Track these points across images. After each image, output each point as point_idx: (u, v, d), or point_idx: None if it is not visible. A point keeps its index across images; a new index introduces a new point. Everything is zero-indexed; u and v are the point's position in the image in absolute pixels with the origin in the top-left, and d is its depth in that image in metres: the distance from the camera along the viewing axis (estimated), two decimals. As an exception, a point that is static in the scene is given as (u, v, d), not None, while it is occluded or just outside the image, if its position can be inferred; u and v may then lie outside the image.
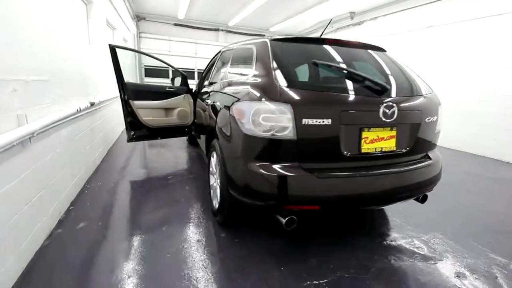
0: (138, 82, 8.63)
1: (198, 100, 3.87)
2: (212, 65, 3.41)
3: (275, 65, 1.52)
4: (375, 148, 1.54)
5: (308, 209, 1.47)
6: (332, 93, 1.48)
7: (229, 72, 2.19)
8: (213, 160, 2.10)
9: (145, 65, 8.87)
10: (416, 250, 1.78)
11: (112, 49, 2.98)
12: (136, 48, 8.48)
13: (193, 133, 3.89)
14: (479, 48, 4.67)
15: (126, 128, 3.29)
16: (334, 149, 1.45)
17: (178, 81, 3.88)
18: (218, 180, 1.87)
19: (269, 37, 1.77)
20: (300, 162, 1.42)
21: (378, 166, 1.55)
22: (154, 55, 3.42)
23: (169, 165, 3.44)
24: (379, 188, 1.51)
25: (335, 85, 1.53)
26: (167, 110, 3.57)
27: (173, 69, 3.58)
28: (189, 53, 9.29)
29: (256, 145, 1.42)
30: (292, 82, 1.46)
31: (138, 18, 8.46)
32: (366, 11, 6.86)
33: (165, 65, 3.62)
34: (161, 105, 3.45)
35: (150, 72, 9.02)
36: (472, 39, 4.78)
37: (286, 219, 1.44)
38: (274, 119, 1.38)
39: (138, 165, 3.38)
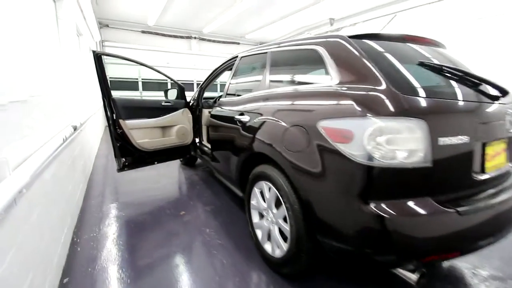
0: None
1: (206, 115, 3.34)
2: (217, 74, 2.94)
3: (380, 68, 1.14)
4: (495, 167, 1.24)
5: (446, 258, 1.11)
6: (465, 102, 1.15)
7: (271, 81, 1.76)
8: (263, 193, 1.63)
9: (110, 77, 7.91)
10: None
11: (97, 57, 2.36)
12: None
13: (192, 153, 3.34)
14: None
15: (115, 155, 2.64)
16: (466, 174, 1.12)
17: (172, 94, 3.32)
18: (286, 223, 1.41)
19: (337, 35, 1.39)
20: (432, 196, 1.05)
21: (500, 188, 1.26)
22: (148, 65, 2.84)
23: (171, 194, 2.84)
24: None
25: (457, 91, 1.20)
26: (165, 128, 2.99)
27: (170, 80, 3.02)
28: (160, 63, 8.54)
29: (374, 178, 1.02)
30: (414, 89, 1.09)
31: (101, 25, 7.55)
32: (345, 17, 6.94)
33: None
34: (158, 124, 2.87)
35: (118, 85, 8.06)
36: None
37: (419, 274, 1.06)
38: (400, 141, 1.00)
39: (130, 198, 2.72)
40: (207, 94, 3.43)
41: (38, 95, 1.51)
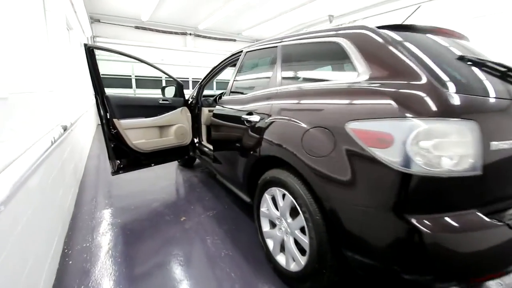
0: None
1: (206, 114, 3.17)
2: (218, 71, 2.78)
3: (419, 61, 1.01)
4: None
5: (492, 278, 0.98)
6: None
7: (283, 78, 1.61)
8: (275, 199, 1.49)
9: (102, 74, 7.63)
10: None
11: (89, 51, 2.18)
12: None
13: (191, 154, 3.17)
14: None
15: (109, 157, 2.47)
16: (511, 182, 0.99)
17: (169, 91, 3.14)
18: (305, 235, 1.27)
19: (362, 26, 1.25)
20: (479, 208, 0.92)
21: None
22: (144, 60, 2.66)
23: (170, 197, 2.67)
24: None
25: (507, 89, 1.07)
26: (162, 128, 2.81)
27: (168, 76, 2.84)
28: (154, 59, 8.28)
29: (415, 188, 0.88)
30: (461, 86, 0.96)
31: (92, 19, 7.26)
32: (345, 14, 6.82)
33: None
34: (155, 123, 2.69)
35: (110, 82, 7.78)
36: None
37: None
38: (448, 146, 0.87)
39: (126, 202, 2.54)
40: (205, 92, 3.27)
41: (22, 92, 1.33)
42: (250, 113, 1.71)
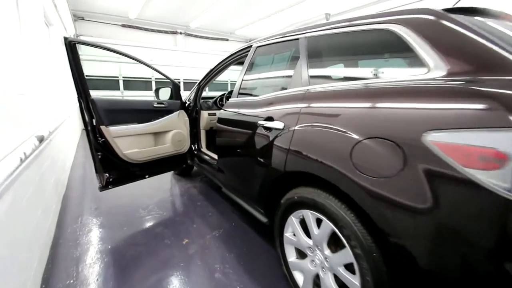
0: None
1: (205, 118, 2.87)
2: (220, 70, 2.48)
3: None
4: None
5: None
6: None
7: (311, 76, 1.33)
8: (306, 223, 1.21)
9: (86, 75, 7.16)
10: None
11: (71, 46, 1.85)
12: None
13: (189, 162, 2.86)
14: None
15: (96, 170, 2.14)
16: None
17: (164, 93, 2.81)
18: (354, 275, 1.00)
19: (424, 9, 0.99)
20: None
21: None
22: (135, 57, 2.34)
23: (168, 214, 2.34)
24: None
25: None
26: (157, 135, 2.49)
27: (162, 75, 2.52)
28: (143, 59, 7.86)
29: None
30: None
31: (76, 17, 6.80)
32: (342, 12, 6.65)
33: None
34: (149, 130, 2.36)
35: (95, 84, 7.31)
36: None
37: None
38: None
39: (117, 221, 2.20)
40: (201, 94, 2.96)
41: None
42: (269, 119, 1.43)
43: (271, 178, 1.42)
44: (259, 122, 1.48)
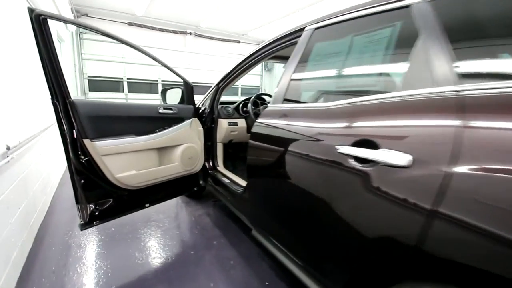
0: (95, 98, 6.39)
1: (224, 128, 2.26)
2: (248, 67, 1.87)
3: None
4: None
5: None
6: None
7: (458, 67, 0.70)
8: None
9: (89, 75, 6.65)
10: None
11: (38, 22, 1.26)
12: (77, 54, 6.28)
13: (202, 183, 2.24)
14: None
15: (78, 199, 1.54)
16: None
17: (173, 96, 2.21)
18: None
19: None
20: None
21: None
22: (141, 48, 1.77)
23: (176, 262, 1.71)
24: None
25: None
26: (163, 150, 1.87)
27: (172, 72, 1.92)
28: (150, 61, 7.33)
29: None
30: None
31: (79, 13, 6.32)
32: (368, 12, 6.06)
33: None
34: (152, 144, 1.75)
35: (98, 85, 6.80)
36: None
37: None
38: None
39: (111, 276, 1.58)
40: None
41: None
42: (363, 143, 0.79)
43: (367, 252, 0.78)
44: (340, 147, 0.85)
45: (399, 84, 0.82)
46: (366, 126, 0.80)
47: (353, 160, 0.81)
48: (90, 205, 1.56)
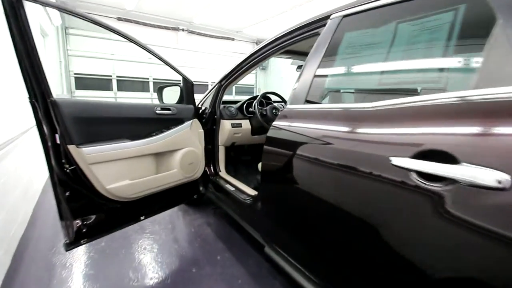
0: (79, 97, 6.05)
1: (227, 130, 2.07)
2: (257, 62, 1.69)
3: None
4: None
5: None
6: None
7: None
8: None
9: (76, 73, 6.30)
10: None
11: (12, 4, 1.04)
12: (63, 50, 5.92)
13: (202, 190, 2.06)
14: None
15: (62, 215, 1.33)
16: None
17: (171, 94, 2.00)
18: None
19: None
20: None
21: None
22: (135, 39, 1.55)
23: (170, 282, 1.52)
24: None
25: None
26: (161, 156, 1.67)
27: (170, 67, 1.72)
28: (140, 58, 7.04)
29: None
30: None
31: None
32: (366, 10, 5.95)
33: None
34: (149, 149, 1.55)
35: (85, 83, 6.46)
36: None
37: None
38: None
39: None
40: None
41: None
42: (432, 155, 0.62)
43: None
44: (395, 159, 0.68)
45: (471, 80, 0.66)
46: (436, 133, 0.63)
47: (415, 175, 0.64)
48: (77, 221, 1.35)
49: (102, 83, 6.70)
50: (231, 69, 1.85)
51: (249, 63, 1.71)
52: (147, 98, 7.25)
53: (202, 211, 2.37)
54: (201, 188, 2.07)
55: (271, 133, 1.17)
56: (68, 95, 6.15)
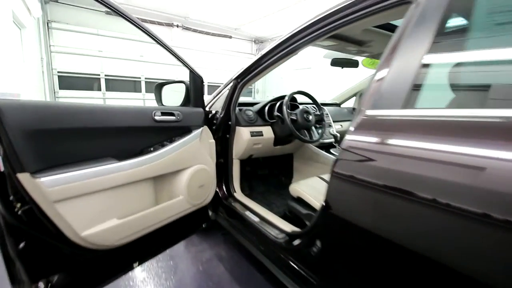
0: (47, 99, 5.50)
1: (245, 140, 1.60)
2: (297, 48, 1.27)
3: None
4: None
5: None
6: None
7: None
8: None
9: (60, 71, 5.73)
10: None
11: None
12: (45, 46, 5.36)
13: (212, 215, 1.63)
14: None
15: (13, 278, 0.85)
16: None
17: (173, 94, 1.55)
18: None
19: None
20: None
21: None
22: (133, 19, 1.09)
23: None
24: None
25: None
26: (161, 180, 1.22)
27: (178, 58, 1.28)
28: (131, 55, 6.51)
29: None
30: None
31: (46, -2, 5.41)
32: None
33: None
34: (144, 173, 1.09)
35: (70, 82, 5.89)
36: None
37: None
38: None
39: None
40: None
41: None
42: None
43: None
44: None
45: None
46: None
47: None
48: (39, 284, 0.90)
49: (89, 83, 6.14)
50: (252, 62, 1.42)
51: (278, 53, 1.29)
52: (139, 99, 6.73)
53: (210, 239, 1.92)
54: (210, 213, 1.63)
55: (346, 155, 0.73)
56: (51, 96, 5.59)
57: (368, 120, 0.74)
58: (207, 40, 7.82)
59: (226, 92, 1.57)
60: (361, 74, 2.42)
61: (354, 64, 2.00)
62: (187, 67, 1.30)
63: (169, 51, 1.21)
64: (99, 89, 6.25)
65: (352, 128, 0.76)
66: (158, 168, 1.12)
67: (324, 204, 0.81)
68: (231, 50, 8.27)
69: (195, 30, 7.46)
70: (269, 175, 2.13)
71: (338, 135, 2.01)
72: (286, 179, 2.16)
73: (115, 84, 6.44)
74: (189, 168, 1.27)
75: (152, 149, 1.13)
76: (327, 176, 1.45)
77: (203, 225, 1.57)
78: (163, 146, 1.16)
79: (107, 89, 6.33)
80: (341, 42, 1.35)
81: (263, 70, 1.39)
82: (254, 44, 8.74)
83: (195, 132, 1.31)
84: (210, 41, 7.87)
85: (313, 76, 7.17)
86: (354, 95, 2.52)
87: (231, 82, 1.54)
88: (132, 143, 1.08)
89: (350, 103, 2.60)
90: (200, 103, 1.39)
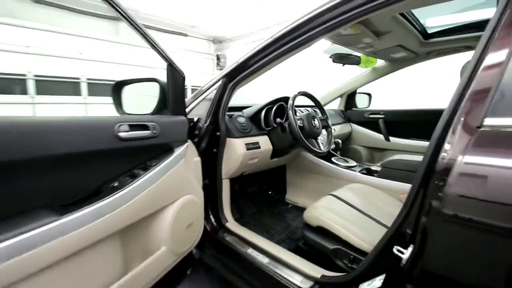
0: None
1: (239, 154, 1.25)
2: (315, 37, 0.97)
3: None
4: None
5: None
6: None
7: None
8: None
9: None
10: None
11: None
12: None
13: (195, 252, 1.24)
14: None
15: None
16: None
17: (140, 99, 1.12)
18: None
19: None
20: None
21: None
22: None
23: None
24: None
25: None
26: (130, 230, 0.79)
27: (161, 53, 0.87)
28: (68, 52, 5.50)
29: None
30: None
31: None
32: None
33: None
34: (107, 228, 0.66)
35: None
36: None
37: None
38: None
39: None
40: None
41: None
42: None
43: None
44: None
45: None
46: None
47: None
48: None
49: (12, 85, 4.99)
50: (249, 55, 1.08)
51: (287, 43, 0.98)
52: (80, 103, 5.74)
53: (191, 279, 1.51)
54: (194, 251, 1.24)
55: (470, 190, 0.46)
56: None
57: (494, 134, 0.48)
58: (159, 37, 7.12)
59: (211, 94, 1.20)
60: (339, 75, 2.27)
61: (356, 61, 1.80)
62: (164, 57, 0.91)
63: (142, 34, 0.81)
64: (25, 93, 5.14)
65: (462, 146, 0.49)
66: (129, 214, 0.71)
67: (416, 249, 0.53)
68: (186, 49, 7.70)
69: (146, 26, 6.72)
70: (258, 192, 1.80)
71: (340, 141, 1.78)
72: (277, 195, 1.85)
73: (48, 86, 5.38)
74: (174, 203, 0.88)
75: (116, 183, 0.72)
76: (343, 194, 1.19)
77: (188, 272, 1.17)
78: (133, 177, 0.75)
79: (38, 92, 5.25)
80: (366, 30, 1.10)
81: (265, 65, 1.06)
82: (212, 44, 8.30)
83: (179, 151, 0.92)
84: (163, 39, 7.20)
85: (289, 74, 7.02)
86: (340, 96, 2.35)
87: (218, 81, 1.18)
88: (83, 178, 0.66)
89: (334, 105, 2.44)
90: (182, 108, 1.00)
